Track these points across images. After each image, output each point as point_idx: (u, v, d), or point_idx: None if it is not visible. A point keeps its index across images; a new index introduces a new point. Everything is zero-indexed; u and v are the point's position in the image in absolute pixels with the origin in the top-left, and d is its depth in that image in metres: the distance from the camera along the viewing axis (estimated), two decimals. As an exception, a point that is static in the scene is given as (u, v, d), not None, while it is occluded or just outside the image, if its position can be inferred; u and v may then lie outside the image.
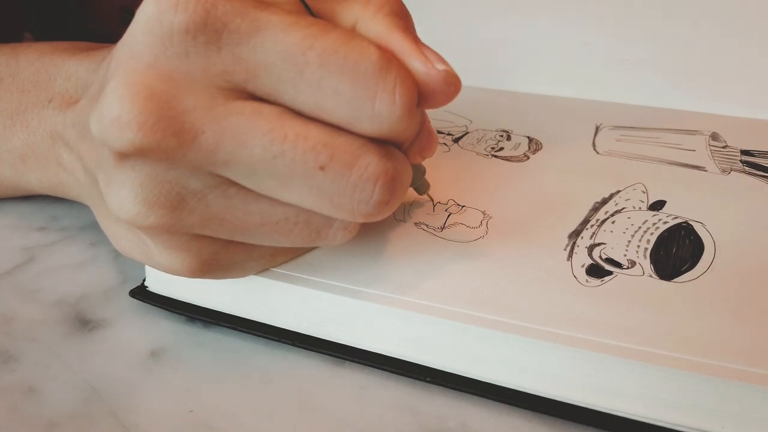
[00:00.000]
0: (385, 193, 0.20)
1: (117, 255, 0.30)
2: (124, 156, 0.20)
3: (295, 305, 0.24)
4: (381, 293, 0.23)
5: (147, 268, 0.26)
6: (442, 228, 0.26)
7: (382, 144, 0.20)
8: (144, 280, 0.27)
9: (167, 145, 0.19)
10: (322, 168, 0.19)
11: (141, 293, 0.27)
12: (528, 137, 0.35)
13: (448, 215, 0.27)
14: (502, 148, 0.33)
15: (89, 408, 0.23)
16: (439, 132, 0.36)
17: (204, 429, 0.22)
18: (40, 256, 0.31)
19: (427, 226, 0.26)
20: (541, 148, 0.33)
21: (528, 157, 0.32)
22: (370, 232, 0.26)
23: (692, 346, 0.20)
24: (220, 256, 0.22)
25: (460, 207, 0.28)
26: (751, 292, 0.22)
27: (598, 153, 0.33)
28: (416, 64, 0.20)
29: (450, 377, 0.23)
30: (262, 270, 0.24)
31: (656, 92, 0.39)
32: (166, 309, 0.26)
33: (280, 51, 0.19)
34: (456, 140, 0.34)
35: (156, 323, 0.26)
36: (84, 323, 0.26)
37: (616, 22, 0.41)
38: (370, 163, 0.20)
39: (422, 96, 0.21)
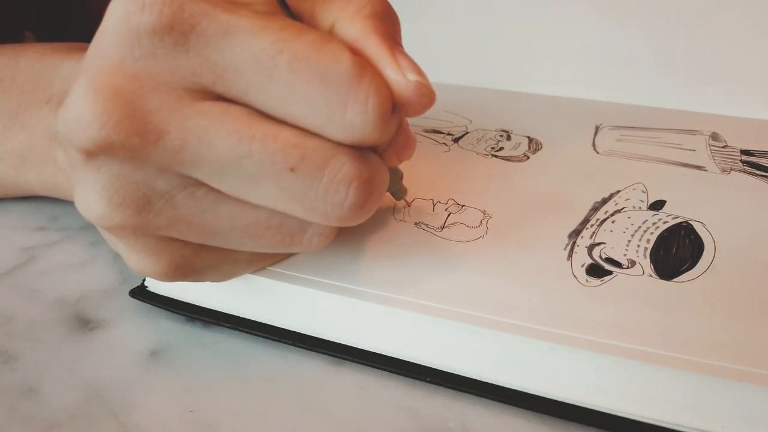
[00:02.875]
0: (360, 195, 0.19)
1: (117, 255, 0.30)
2: (89, 155, 0.19)
3: (295, 305, 0.24)
4: (381, 293, 0.23)
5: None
6: (442, 228, 0.26)
7: (357, 148, 0.20)
8: (144, 280, 0.27)
9: (131, 144, 0.19)
10: (292, 169, 0.19)
11: (141, 293, 0.27)
12: (528, 137, 0.35)
13: (448, 215, 0.27)
14: (502, 148, 0.33)
15: (89, 408, 0.23)
16: (439, 132, 0.36)
17: (204, 429, 0.22)
18: (40, 256, 0.31)
19: (427, 225, 0.26)
20: (541, 148, 0.33)
21: (528, 157, 0.32)
22: (370, 232, 0.26)
23: (692, 346, 0.20)
24: (192, 260, 0.22)
25: (460, 207, 0.28)
26: (751, 292, 0.22)
27: (598, 153, 0.33)
28: (389, 72, 0.20)
29: (450, 377, 0.23)
30: (241, 274, 0.24)
31: (656, 92, 0.39)
32: (166, 309, 0.26)
33: (249, 55, 0.18)
34: (456, 140, 0.34)
35: (156, 323, 0.26)
36: (84, 323, 0.26)
37: (616, 22, 0.41)
38: (344, 164, 0.19)
39: (395, 105, 0.20)
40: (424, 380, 0.23)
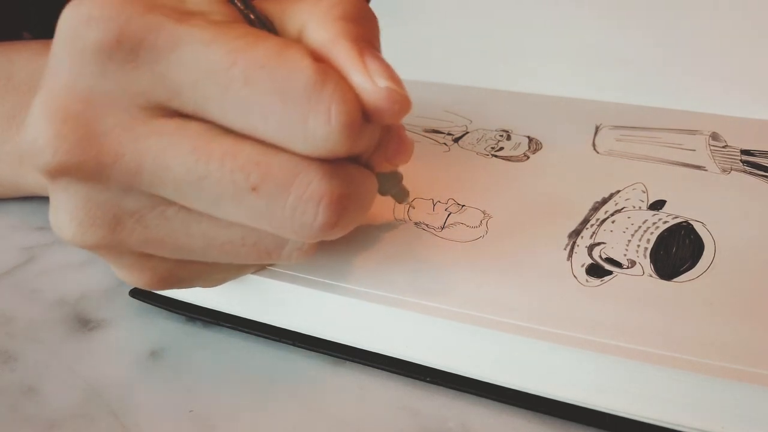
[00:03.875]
0: (330, 214, 0.18)
1: (117, 255, 0.30)
2: (52, 177, 0.19)
3: (294, 305, 0.24)
4: (381, 293, 0.23)
5: (147, 268, 0.26)
6: (442, 228, 0.26)
7: (330, 160, 0.19)
8: (144, 280, 0.27)
9: (87, 168, 0.18)
10: (254, 189, 0.18)
11: (141, 293, 0.27)
12: (528, 137, 0.35)
13: (448, 215, 0.27)
14: (502, 148, 0.33)
15: (89, 408, 0.23)
16: (439, 132, 0.36)
17: (204, 429, 0.22)
18: (40, 256, 0.31)
19: (427, 225, 0.26)
20: (541, 148, 0.33)
21: (528, 157, 0.32)
22: (370, 232, 0.26)
23: (692, 346, 0.20)
24: (177, 272, 0.21)
25: (460, 207, 0.28)
26: (751, 292, 0.22)
27: (598, 153, 0.33)
28: (356, 78, 0.18)
29: (450, 377, 0.23)
30: (233, 278, 0.23)
31: (656, 92, 0.39)
32: (166, 309, 0.26)
33: (202, 68, 0.17)
34: (456, 140, 0.34)
35: (156, 323, 0.26)
36: (84, 323, 0.26)
37: (616, 22, 0.41)
38: (311, 182, 0.18)
39: (368, 112, 0.19)
40: (424, 380, 0.23)
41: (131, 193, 0.19)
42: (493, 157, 0.32)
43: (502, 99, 0.41)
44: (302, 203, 0.18)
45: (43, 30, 0.47)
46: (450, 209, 0.27)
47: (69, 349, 0.25)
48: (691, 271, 0.24)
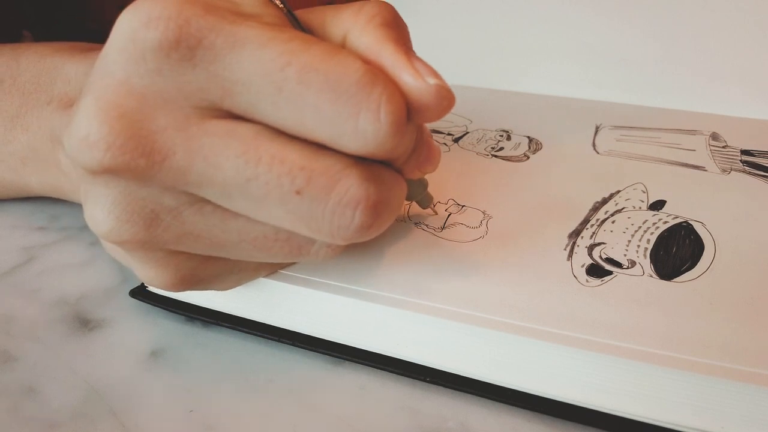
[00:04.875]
0: (366, 218, 0.19)
1: (117, 255, 0.30)
2: (96, 173, 0.19)
3: (295, 305, 0.24)
4: (380, 293, 0.23)
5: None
6: (442, 228, 0.26)
7: (368, 164, 0.19)
8: (144, 280, 0.27)
9: (136, 166, 0.18)
10: (298, 192, 0.19)
11: (141, 293, 0.27)
12: (528, 137, 0.35)
13: (448, 215, 0.27)
14: (502, 148, 0.33)
15: (89, 408, 0.23)
16: (439, 132, 0.36)
17: (204, 429, 0.22)
18: (40, 256, 0.31)
19: (427, 226, 0.26)
20: (541, 148, 0.33)
21: (528, 157, 0.32)
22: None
23: (692, 346, 0.20)
24: (199, 271, 0.22)
25: (460, 207, 0.28)
26: (751, 292, 0.22)
27: (598, 153, 0.33)
28: (406, 77, 0.19)
29: (450, 377, 0.23)
30: (246, 282, 0.24)
31: (656, 92, 0.39)
32: (166, 309, 0.26)
33: (257, 67, 0.18)
34: (456, 140, 0.34)
35: (156, 323, 0.26)
36: (84, 323, 0.26)
37: (616, 22, 0.41)
38: (351, 186, 0.19)
39: (413, 111, 0.20)
40: (424, 380, 0.23)
41: (171, 191, 0.19)
42: (493, 157, 0.32)
43: (502, 99, 0.41)
44: (341, 207, 0.19)
45: (42, 29, 0.47)
46: (450, 209, 0.27)
47: (69, 349, 0.25)
48: (691, 271, 0.24)
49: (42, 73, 0.30)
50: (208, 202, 0.20)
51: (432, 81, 0.19)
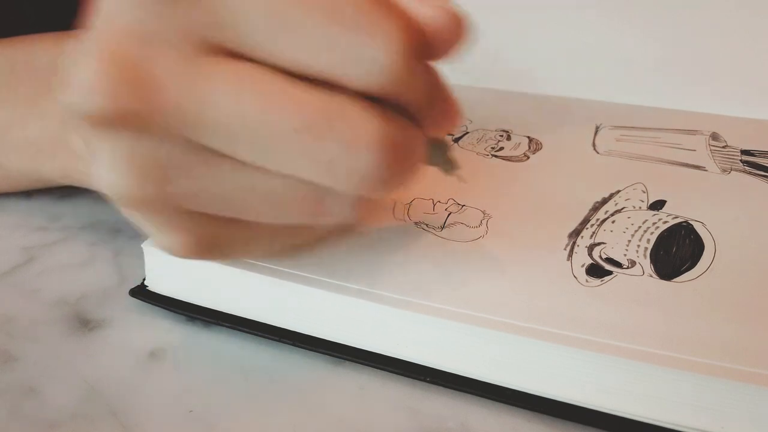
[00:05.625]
0: (383, 157, 0.18)
1: (117, 254, 0.30)
2: (98, 125, 0.18)
3: (295, 305, 0.24)
4: (380, 293, 0.23)
5: (146, 267, 0.26)
6: (442, 227, 0.26)
7: (382, 107, 0.18)
8: (144, 279, 0.27)
9: (137, 110, 0.18)
10: (310, 131, 0.18)
11: (141, 293, 0.27)
12: (528, 137, 0.35)
13: (448, 215, 0.27)
14: (502, 148, 0.33)
15: (89, 408, 0.23)
16: (439, 132, 0.36)
17: (204, 429, 0.22)
18: (40, 256, 0.31)
19: (427, 225, 0.26)
20: (541, 148, 0.33)
21: (528, 157, 0.32)
22: (370, 232, 0.26)
23: (692, 346, 0.20)
24: (218, 235, 0.21)
25: (460, 206, 0.28)
26: (751, 292, 0.22)
27: (598, 153, 0.33)
28: (413, 3, 0.18)
29: (450, 377, 0.22)
30: (264, 255, 0.23)
31: (656, 92, 0.39)
32: (166, 309, 0.26)
33: (257, 1, 0.17)
34: (456, 140, 0.34)
35: (156, 323, 0.26)
36: (84, 323, 0.26)
37: (616, 22, 0.41)
38: (365, 122, 0.18)
39: (425, 43, 0.18)
40: (424, 380, 0.23)
41: (178, 144, 0.19)
42: (493, 157, 0.32)
43: (502, 99, 0.41)
44: (354, 144, 0.18)
45: (43, 29, 0.47)
46: (450, 209, 0.27)
47: (69, 349, 0.25)
48: (691, 271, 0.24)
49: (57, 58, 0.29)
50: (216, 152, 0.19)
51: (442, 5, 0.19)
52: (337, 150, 0.18)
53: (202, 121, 0.18)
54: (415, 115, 0.20)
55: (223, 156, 0.19)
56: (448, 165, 0.24)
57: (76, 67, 0.18)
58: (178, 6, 0.18)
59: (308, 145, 0.18)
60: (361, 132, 0.18)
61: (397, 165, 0.18)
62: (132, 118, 0.18)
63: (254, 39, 0.18)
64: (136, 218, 0.21)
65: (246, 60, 0.18)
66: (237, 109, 0.18)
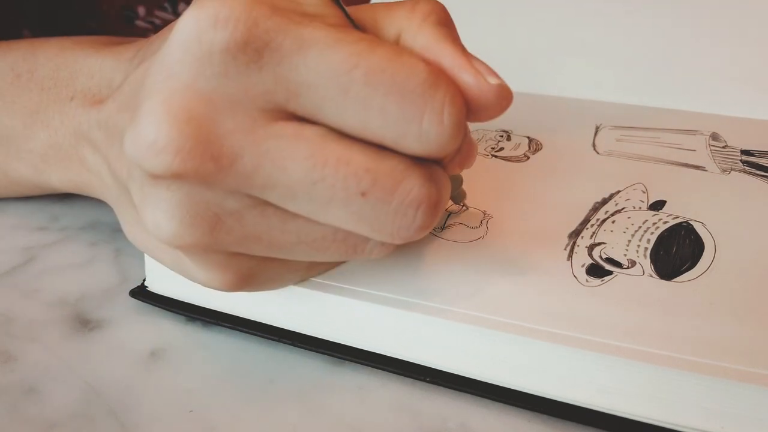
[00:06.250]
0: (427, 218, 0.19)
1: (117, 255, 0.30)
2: (160, 179, 0.19)
3: (295, 305, 0.24)
4: (380, 293, 0.23)
5: (147, 267, 0.26)
6: (442, 228, 0.26)
7: (427, 164, 0.20)
8: (144, 280, 0.27)
9: (205, 171, 0.18)
10: (363, 194, 0.19)
11: (141, 293, 0.27)
12: (528, 137, 0.35)
13: (448, 215, 0.27)
14: (502, 148, 0.33)
15: (89, 408, 0.23)
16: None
17: (204, 429, 0.22)
18: (40, 256, 0.31)
19: (427, 226, 0.26)
20: (541, 148, 0.33)
21: (528, 157, 0.32)
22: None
23: (692, 346, 0.20)
24: (257, 271, 0.22)
25: (460, 207, 0.28)
26: (751, 292, 0.22)
27: (598, 153, 0.33)
28: (467, 77, 0.19)
29: (450, 377, 0.23)
30: (299, 281, 0.24)
31: (656, 92, 0.39)
32: (166, 309, 0.26)
33: (324, 69, 0.18)
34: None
35: (156, 323, 0.26)
36: (84, 323, 0.26)
37: (616, 22, 0.41)
38: (413, 188, 0.19)
39: (472, 111, 0.20)
40: (424, 380, 0.23)
41: (235, 194, 0.19)
42: (493, 158, 0.32)
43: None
44: (404, 207, 0.19)
45: (43, 28, 0.47)
46: (450, 209, 0.27)
47: (69, 349, 0.25)
48: (691, 271, 0.24)
49: (61, 66, 0.29)
50: (270, 204, 0.20)
51: (493, 81, 0.20)
52: (388, 212, 0.19)
53: (265, 181, 0.19)
54: (446, 162, 0.21)
55: (276, 207, 0.20)
56: (459, 196, 0.27)
57: (143, 124, 0.18)
58: (248, 69, 0.18)
59: (363, 207, 0.19)
60: (412, 195, 0.19)
61: (437, 218, 0.20)
62: (198, 173, 0.18)
63: (319, 107, 0.19)
64: (172, 260, 0.22)
65: (309, 123, 0.19)
66: (299, 170, 0.19)
